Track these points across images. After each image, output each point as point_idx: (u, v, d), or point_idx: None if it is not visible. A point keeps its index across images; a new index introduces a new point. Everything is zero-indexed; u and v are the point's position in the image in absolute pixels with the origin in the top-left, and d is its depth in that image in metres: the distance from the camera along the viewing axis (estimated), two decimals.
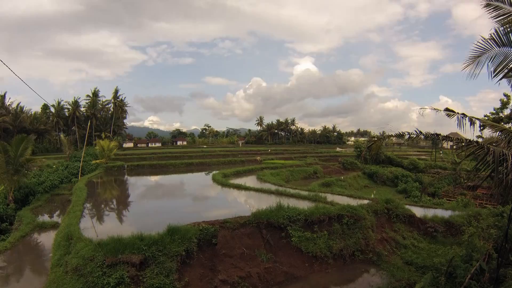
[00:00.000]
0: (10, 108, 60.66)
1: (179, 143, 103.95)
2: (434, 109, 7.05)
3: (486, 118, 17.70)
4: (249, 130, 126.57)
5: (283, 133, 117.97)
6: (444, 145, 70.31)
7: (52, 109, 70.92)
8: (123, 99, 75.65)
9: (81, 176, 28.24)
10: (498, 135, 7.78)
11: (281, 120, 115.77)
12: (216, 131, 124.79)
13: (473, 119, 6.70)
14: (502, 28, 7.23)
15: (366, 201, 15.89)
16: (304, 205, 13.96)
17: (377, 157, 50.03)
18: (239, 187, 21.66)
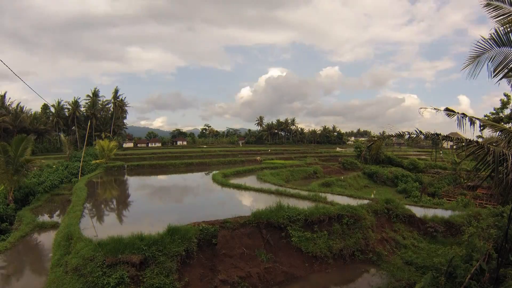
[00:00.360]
0: (10, 108, 60.69)
1: (179, 143, 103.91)
2: (435, 108, 7.04)
3: (486, 118, 17.68)
4: (249, 130, 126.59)
5: (283, 133, 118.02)
6: (444, 145, 70.33)
7: (52, 109, 71.02)
8: (123, 99, 75.73)
9: (81, 176, 28.25)
10: (498, 135, 7.77)
11: (281, 120, 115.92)
12: (216, 131, 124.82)
13: (473, 119, 6.68)
14: (502, 28, 7.21)
15: (366, 201, 15.88)
16: (304, 205, 13.96)
17: (377, 157, 50.02)
18: (239, 187, 21.66)
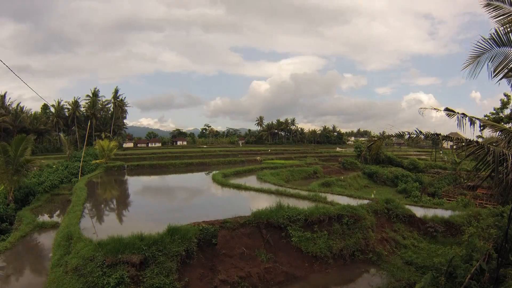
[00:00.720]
0: (10, 108, 60.65)
1: (179, 143, 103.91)
2: (434, 108, 7.04)
3: (486, 118, 17.66)
4: (249, 130, 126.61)
5: (283, 133, 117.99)
6: (444, 145, 70.33)
7: (52, 109, 71.01)
8: (123, 99, 75.68)
9: (81, 176, 28.23)
10: (498, 135, 7.76)
11: (281, 120, 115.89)
12: (216, 131, 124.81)
13: (473, 119, 6.68)
14: (502, 28, 7.21)
15: (366, 201, 15.88)
16: (304, 205, 13.96)
17: (377, 157, 50.02)
18: (239, 187, 21.66)
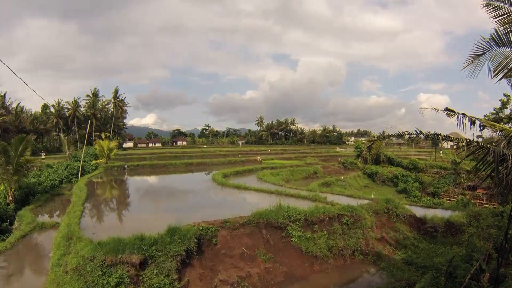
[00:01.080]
0: (10, 108, 60.64)
1: (179, 143, 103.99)
2: (434, 108, 7.03)
3: (486, 118, 17.66)
4: (249, 130, 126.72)
5: (283, 133, 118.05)
6: (444, 145, 70.33)
7: (52, 109, 70.89)
8: (123, 99, 75.61)
9: (81, 176, 28.24)
10: (498, 135, 7.76)
11: (281, 120, 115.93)
12: (216, 131, 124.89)
13: (473, 119, 6.67)
14: (502, 28, 7.20)
15: (366, 201, 15.88)
16: (304, 205, 13.95)
17: (377, 157, 50.06)
18: (239, 187, 21.65)
